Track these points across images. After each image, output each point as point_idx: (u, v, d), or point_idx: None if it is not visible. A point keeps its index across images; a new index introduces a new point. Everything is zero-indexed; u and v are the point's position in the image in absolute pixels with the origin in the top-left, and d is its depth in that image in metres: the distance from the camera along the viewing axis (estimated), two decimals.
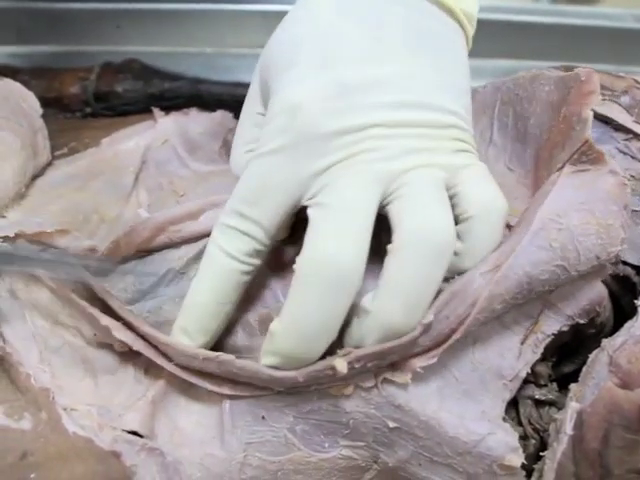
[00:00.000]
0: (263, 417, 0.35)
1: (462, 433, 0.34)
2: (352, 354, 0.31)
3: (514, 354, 0.35)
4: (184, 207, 0.40)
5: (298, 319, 0.31)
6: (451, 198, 0.33)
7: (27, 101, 0.49)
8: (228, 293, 0.34)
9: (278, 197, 0.33)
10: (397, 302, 0.31)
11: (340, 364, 0.31)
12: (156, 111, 0.51)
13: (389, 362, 0.33)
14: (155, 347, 0.35)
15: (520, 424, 0.38)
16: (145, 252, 0.41)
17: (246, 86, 0.64)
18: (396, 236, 0.31)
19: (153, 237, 0.40)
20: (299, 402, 0.34)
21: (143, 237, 0.39)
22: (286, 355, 0.32)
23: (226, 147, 0.51)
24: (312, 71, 0.33)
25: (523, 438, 0.37)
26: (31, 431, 0.33)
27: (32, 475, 0.31)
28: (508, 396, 0.35)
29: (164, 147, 0.48)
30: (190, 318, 0.34)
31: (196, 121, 0.51)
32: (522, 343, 0.36)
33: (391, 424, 0.34)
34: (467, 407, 0.34)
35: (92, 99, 0.63)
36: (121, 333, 0.34)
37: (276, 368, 0.32)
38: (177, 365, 0.34)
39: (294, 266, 0.31)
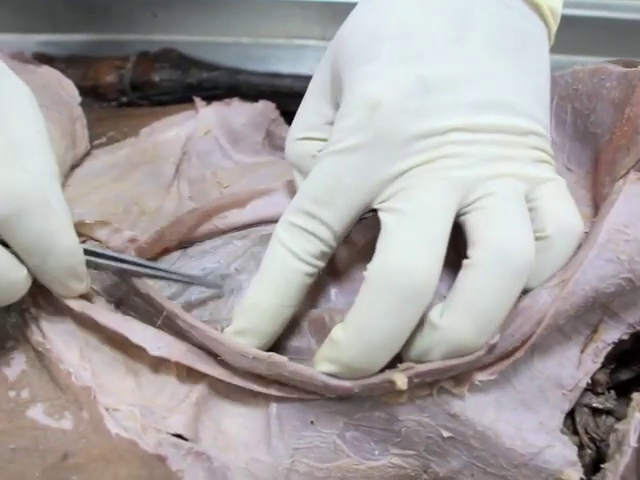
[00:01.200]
0: (312, 422, 0.33)
1: (519, 445, 0.32)
2: (413, 370, 0.30)
3: (574, 363, 0.34)
4: (232, 195, 0.39)
5: (364, 330, 0.29)
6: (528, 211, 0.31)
7: (66, 89, 0.48)
8: (291, 295, 0.32)
9: (350, 199, 0.31)
10: (468, 320, 0.29)
11: (400, 380, 0.30)
12: (197, 101, 0.50)
13: (447, 376, 0.32)
14: (199, 346, 0.33)
15: (576, 433, 0.36)
16: (187, 243, 0.40)
17: (284, 77, 0.64)
18: (474, 251, 0.29)
19: (197, 226, 0.39)
20: (350, 408, 0.33)
21: (188, 226, 0.38)
22: (346, 365, 0.30)
23: (269, 138, 0.50)
24: (391, 66, 0.31)
25: (579, 447, 0.35)
26: (72, 431, 0.31)
27: (74, 477, 0.30)
28: (567, 407, 0.34)
29: (206, 138, 0.47)
30: (249, 319, 0.32)
31: (238, 112, 0.49)
32: (582, 352, 0.34)
33: (445, 433, 0.33)
34: (525, 418, 0.33)
35: (129, 88, 0.61)
36: (157, 349, 0.33)
37: (332, 375, 0.31)
38: (222, 365, 0.33)
39: (364, 273, 0.29)
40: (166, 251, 0.39)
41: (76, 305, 0.33)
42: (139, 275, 0.35)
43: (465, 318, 0.29)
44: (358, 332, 0.29)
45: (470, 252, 0.30)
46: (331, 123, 0.35)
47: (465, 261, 0.30)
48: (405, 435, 0.33)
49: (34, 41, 0.70)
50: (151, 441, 0.31)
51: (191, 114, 0.49)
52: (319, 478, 0.33)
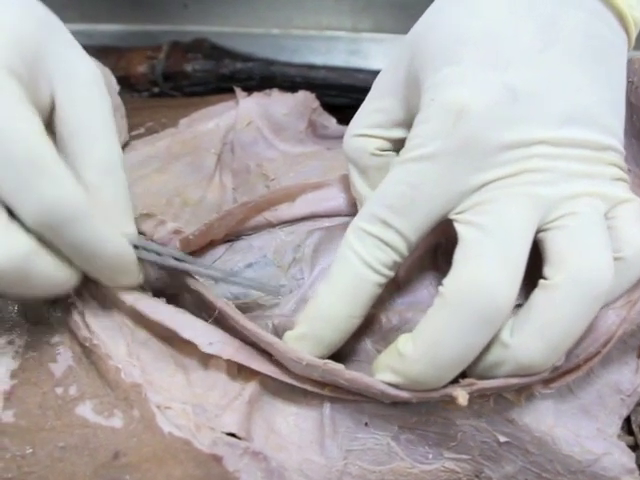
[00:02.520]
0: (366, 424, 0.33)
1: (577, 451, 0.32)
2: (475, 386, 0.29)
3: (632, 368, 0.33)
4: (283, 189, 0.38)
5: (435, 347, 0.28)
6: None
7: (104, 78, 0.47)
8: (359, 305, 0.31)
9: (428, 209, 0.30)
10: (541, 342, 0.28)
11: (462, 397, 0.29)
12: (238, 91, 0.49)
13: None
14: (252, 344, 0.33)
15: (631, 433, 0.35)
16: (234, 236, 0.39)
17: (319, 68, 0.63)
18: (554, 272, 0.28)
19: (246, 219, 0.38)
20: (406, 412, 0.32)
21: (237, 219, 0.37)
22: (412, 379, 0.29)
23: (312, 127, 0.48)
24: (477, 70, 0.29)
25: (634, 448, 0.34)
26: (122, 429, 0.30)
27: (126, 477, 0.29)
28: (625, 412, 0.33)
29: (248, 129, 0.46)
30: (313, 326, 0.31)
31: (279, 102, 0.48)
32: (638, 356, 0.34)
33: (502, 438, 0.32)
34: (583, 424, 0.32)
35: (161, 79, 0.60)
36: (209, 346, 0.32)
37: (391, 385, 0.30)
38: (275, 363, 0.32)
39: (440, 288, 0.28)
40: (212, 244, 0.38)
41: (127, 298, 0.33)
42: (199, 275, 0.34)
43: (538, 340, 0.28)
44: (428, 348, 0.28)
45: (548, 272, 0.28)
46: (398, 123, 0.34)
47: (542, 281, 0.28)
48: (461, 439, 0.32)
49: None
50: (205, 440, 0.30)
51: (230, 105, 0.48)
52: None
